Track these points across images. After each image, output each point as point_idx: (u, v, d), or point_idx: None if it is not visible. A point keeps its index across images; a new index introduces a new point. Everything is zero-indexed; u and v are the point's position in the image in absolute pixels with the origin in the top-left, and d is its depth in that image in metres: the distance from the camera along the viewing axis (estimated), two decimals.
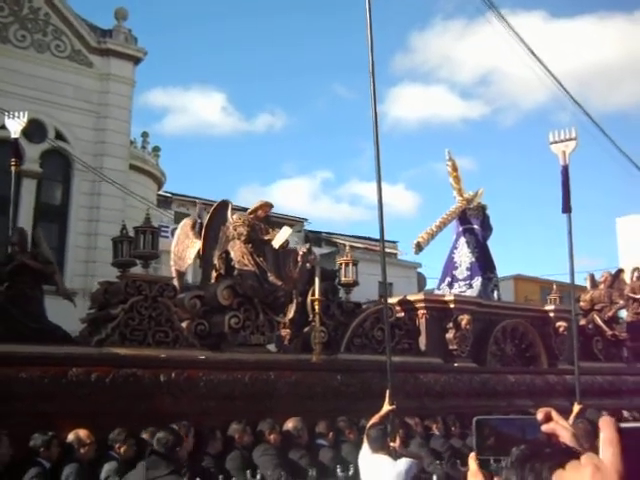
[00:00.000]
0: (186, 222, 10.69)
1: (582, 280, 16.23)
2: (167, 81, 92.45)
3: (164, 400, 8.11)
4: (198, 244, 10.23)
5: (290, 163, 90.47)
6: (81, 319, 9.26)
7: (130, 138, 22.88)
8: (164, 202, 30.59)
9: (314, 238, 35.32)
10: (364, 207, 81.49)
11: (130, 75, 21.99)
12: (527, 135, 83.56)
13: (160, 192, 28.22)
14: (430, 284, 34.85)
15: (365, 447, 6.62)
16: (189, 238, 10.42)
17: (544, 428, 1.09)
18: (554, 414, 1.16)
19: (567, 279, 10.72)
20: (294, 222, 33.87)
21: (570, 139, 11.36)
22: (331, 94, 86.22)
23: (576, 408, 8.71)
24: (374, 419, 7.08)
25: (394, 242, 41.43)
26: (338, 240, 37.00)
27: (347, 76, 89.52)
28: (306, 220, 39.23)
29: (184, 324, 9.29)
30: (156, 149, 26.81)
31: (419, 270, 36.71)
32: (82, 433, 7.22)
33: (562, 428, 1.12)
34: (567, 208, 11.08)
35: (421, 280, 35.30)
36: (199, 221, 10.50)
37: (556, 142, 11.44)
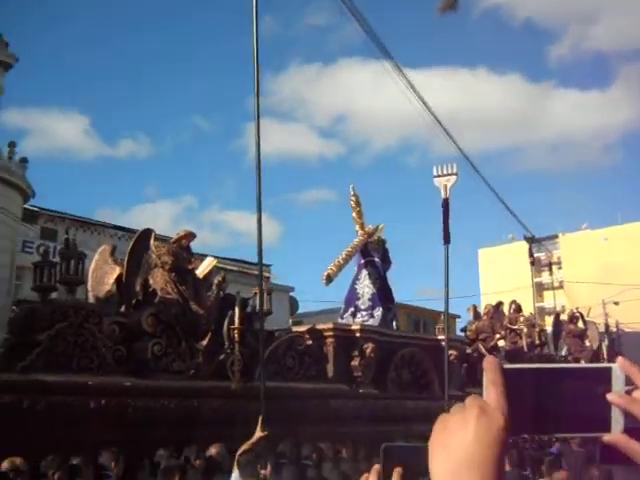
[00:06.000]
0: (105, 248, 10.78)
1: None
2: (25, 101, 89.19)
3: (94, 427, 8.20)
4: (117, 270, 10.35)
5: (153, 188, 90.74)
6: None
7: None
8: (30, 217, 29.35)
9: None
10: (226, 234, 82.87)
11: None
12: (379, 174, 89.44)
13: (26, 206, 27.11)
14: (302, 307, 35.62)
15: (235, 474, 6.61)
16: (108, 264, 10.51)
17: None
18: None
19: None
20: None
21: (451, 174, 12.17)
22: (193, 126, 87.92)
23: None
24: (245, 446, 7.15)
25: (268, 265, 41.82)
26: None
27: (208, 110, 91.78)
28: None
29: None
30: (23, 160, 25.39)
31: (291, 294, 37.32)
32: (18, 461, 7.21)
33: None
34: (447, 239, 11.90)
35: (293, 304, 35.84)
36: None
37: (439, 176, 12.20)
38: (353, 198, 14.16)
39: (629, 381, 0.93)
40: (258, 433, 7.49)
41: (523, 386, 0.92)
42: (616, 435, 0.92)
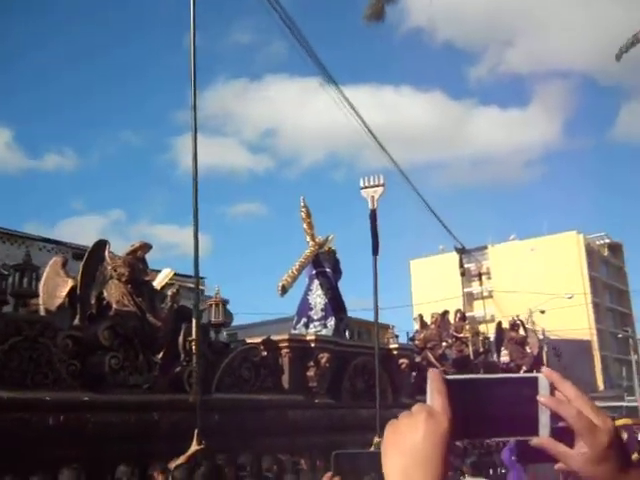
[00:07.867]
0: (56, 260, 10.48)
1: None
2: None
3: (54, 443, 7.93)
4: (70, 282, 10.08)
5: (80, 201, 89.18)
6: None
7: None
8: None
9: None
10: (156, 247, 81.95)
11: None
12: (308, 188, 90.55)
13: None
14: (236, 320, 35.49)
15: None
16: (60, 276, 10.22)
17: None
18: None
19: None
20: None
21: (378, 185, 12.23)
22: (120, 140, 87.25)
23: (376, 440, 9.35)
24: (180, 459, 7.16)
25: (202, 278, 41.55)
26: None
27: (134, 124, 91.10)
28: None
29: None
30: None
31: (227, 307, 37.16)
32: None
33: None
34: (376, 250, 11.95)
35: (228, 316, 35.70)
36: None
37: (366, 187, 12.24)
38: (303, 209, 14.17)
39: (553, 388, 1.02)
40: (194, 446, 7.39)
41: (463, 395, 1.00)
42: (543, 438, 1.01)
